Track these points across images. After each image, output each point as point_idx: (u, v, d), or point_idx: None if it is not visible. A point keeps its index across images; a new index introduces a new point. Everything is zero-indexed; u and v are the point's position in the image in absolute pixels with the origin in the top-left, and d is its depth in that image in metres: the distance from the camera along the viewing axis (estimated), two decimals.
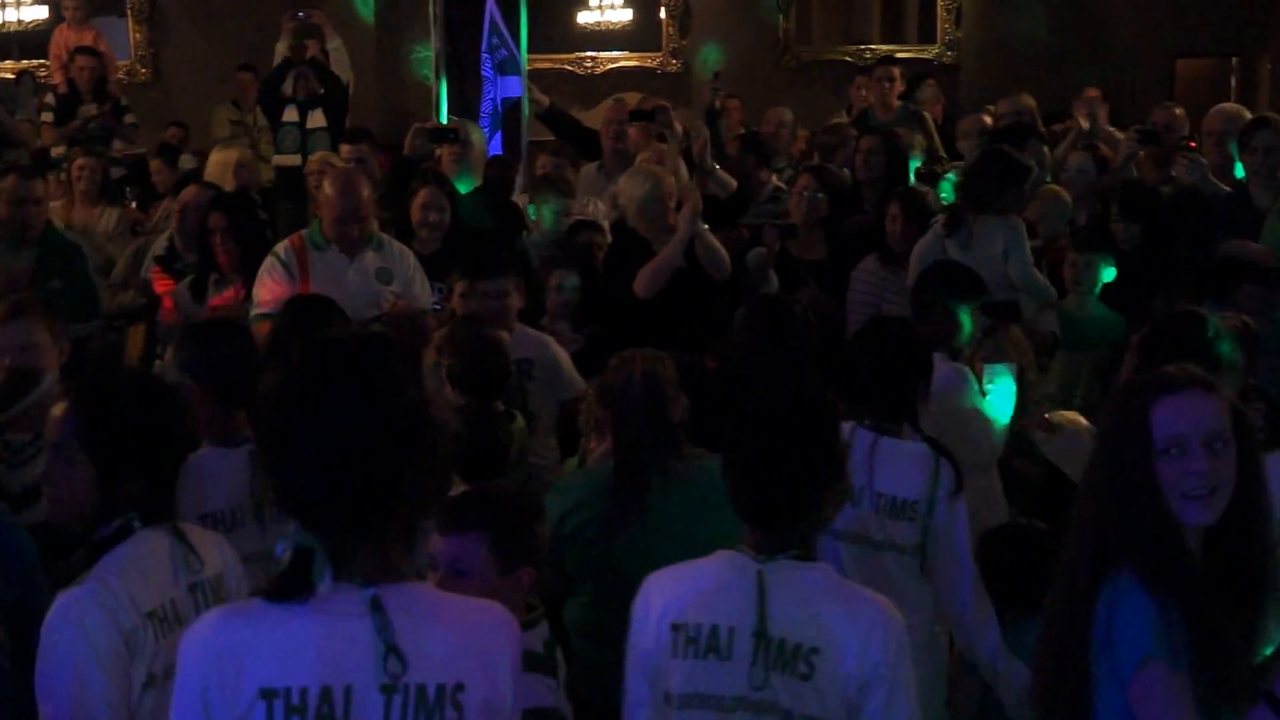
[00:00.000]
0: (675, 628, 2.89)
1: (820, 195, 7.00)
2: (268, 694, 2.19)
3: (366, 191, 6.08)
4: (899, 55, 13.62)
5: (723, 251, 6.44)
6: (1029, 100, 8.31)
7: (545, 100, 8.73)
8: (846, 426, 4.03)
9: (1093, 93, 9.09)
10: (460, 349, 4.82)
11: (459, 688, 2.25)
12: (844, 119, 9.87)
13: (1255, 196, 6.53)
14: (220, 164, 8.27)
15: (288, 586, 2.22)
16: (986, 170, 6.16)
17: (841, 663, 2.81)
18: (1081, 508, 2.85)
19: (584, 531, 3.98)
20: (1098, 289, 6.01)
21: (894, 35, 16.16)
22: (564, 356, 5.59)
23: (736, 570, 2.91)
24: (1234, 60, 17.07)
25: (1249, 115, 7.30)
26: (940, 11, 16.24)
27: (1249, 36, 16.86)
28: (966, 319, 5.10)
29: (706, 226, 6.52)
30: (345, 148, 8.04)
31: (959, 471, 4.13)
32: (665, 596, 2.95)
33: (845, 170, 7.96)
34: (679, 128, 8.05)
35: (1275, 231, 6.19)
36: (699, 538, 3.34)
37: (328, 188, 6.10)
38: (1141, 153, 7.43)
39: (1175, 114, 7.85)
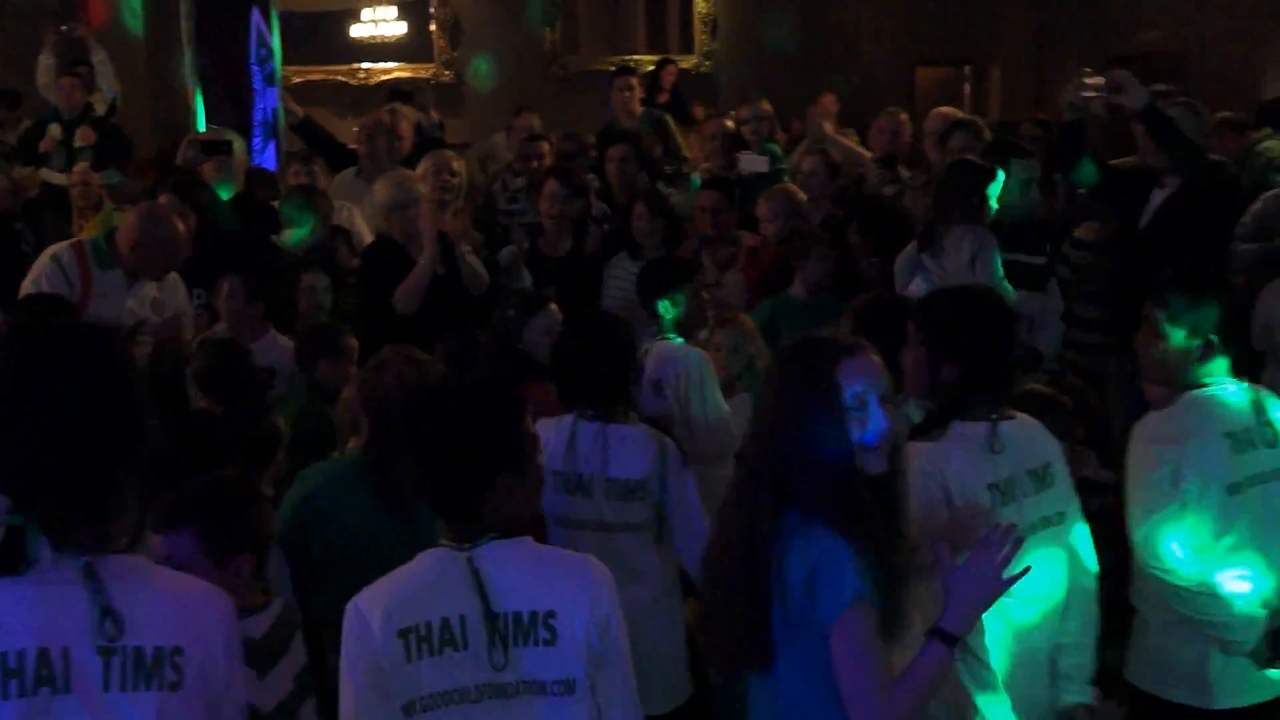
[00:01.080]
0: (403, 633, 2.73)
1: (567, 196, 7.06)
2: None
3: (180, 229, 5.85)
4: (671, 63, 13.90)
5: (482, 271, 6.47)
6: (767, 106, 8.45)
7: (300, 111, 8.61)
8: (568, 419, 4.11)
9: (826, 100, 9.30)
10: (205, 355, 4.82)
11: (176, 650, 2.27)
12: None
13: None
14: None
15: (2, 560, 2.21)
16: (952, 180, 5.95)
17: (577, 617, 2.76)
18: (757, 463, 2.89)
19: (325, 519, 3.92)
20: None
21: (658, 45, 16.28)
22: None
23: (446, 564, 2.80)
24: (967, 69, 17.72)
25: (960, 116, 7.53)
26: (697, 23, 16.55)
27: (981, 47, 17.50)
28: (665, 308, 5.17)
29: (469, 248, 6.59)
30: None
31: (681, 449, 4.19)
32: (383, 607, 2.76)
33: (591, 175, 8.04)
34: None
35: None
36: None
37: (137, 218, 5.80)
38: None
39: (901, 119, 8.01)
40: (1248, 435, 3.59)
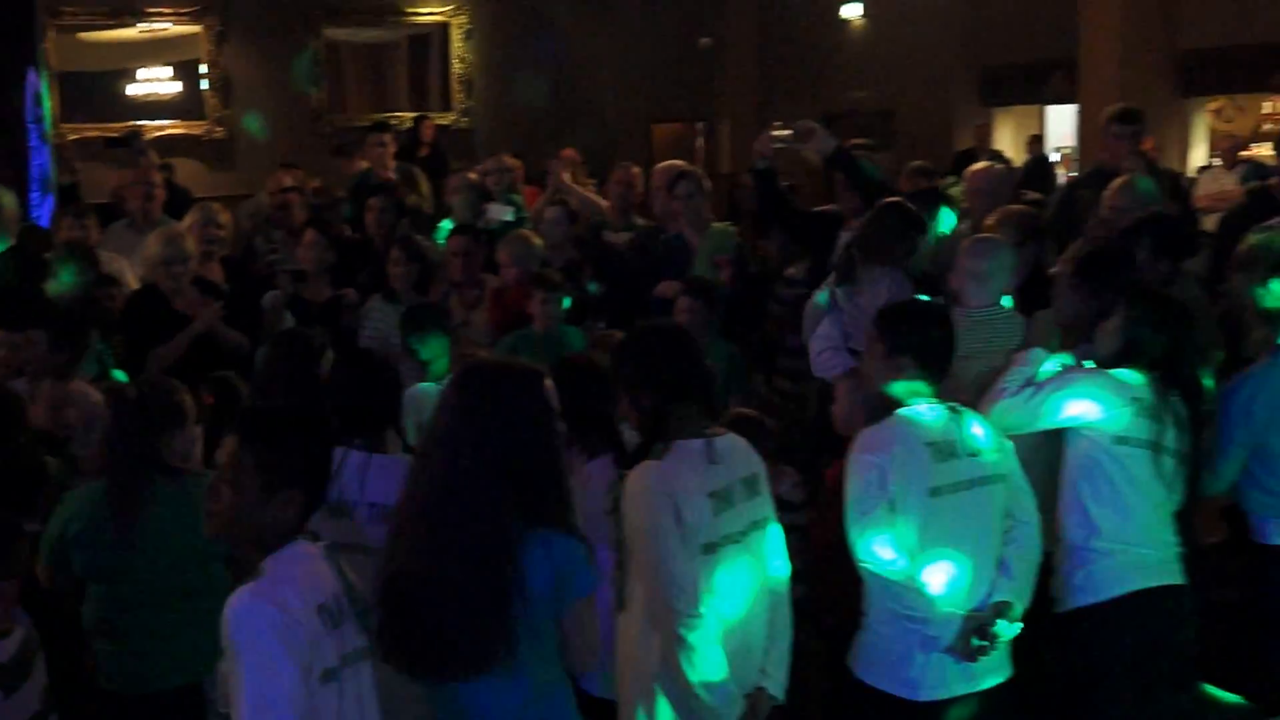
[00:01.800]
0: (320, 609, 2.83)
1: (327, 245, 7.13)
2: None
3: None
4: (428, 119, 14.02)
5: (239, 338, 6.44)
6: (509, 160, 8.64)
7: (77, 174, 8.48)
8: (339, 451, 4.05)
9: (568, 153, 9.49)
10: None
11: None
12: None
13: (687, 235, 6.98)
14: None
15: None
16: (885, 222, 5.56)
17: None
18: (486, 485, 3.00)
19: (82, 538, 3.95)
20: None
21: (419, 103, 16.36)
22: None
23: (315, 552, 2.97)
24: (699, 125, 18.19)
25: (683, 167, 7.63)
26: (454, 83, 16.70)
27: (711, 105, 18.01)
28: (421, 351, 5.34)
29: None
30: None
31: None
32: (305, 586, 2.84)
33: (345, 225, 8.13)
34: None
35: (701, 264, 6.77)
36: (197, 543, 3.48)
37: None
38: None
39: (632, 172, 8.15)
40: (950, 447, 3.70)
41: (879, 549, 3.66)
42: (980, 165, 7.13)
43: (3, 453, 4.51)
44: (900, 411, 3.77)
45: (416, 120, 13.59)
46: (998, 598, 3.72)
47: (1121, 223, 5.61)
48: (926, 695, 3.70)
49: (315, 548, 2.96)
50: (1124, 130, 6.60)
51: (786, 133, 6.21)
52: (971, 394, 4.62)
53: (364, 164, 9.67)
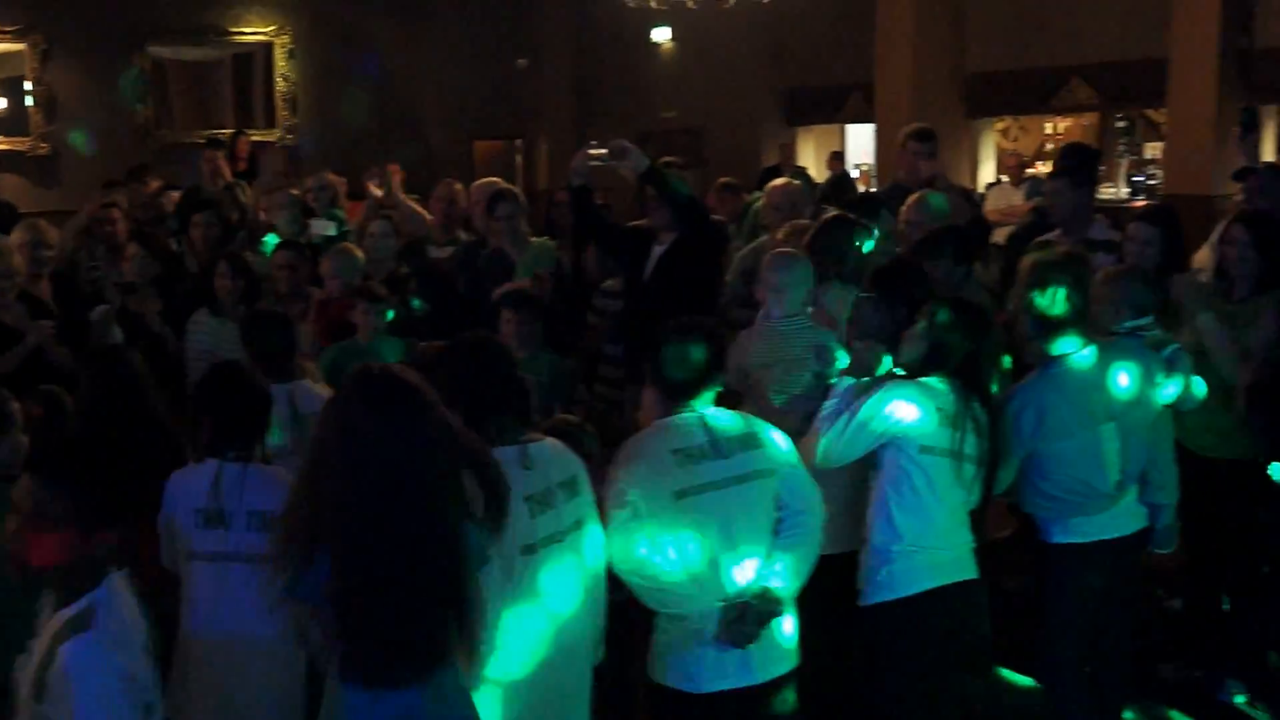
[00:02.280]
0: (145, 649, 2.76)
1: (150, 258, 6.89)
2: None
3: None
4: (252, 137, 13.68)
5: (66, 355, 6.09)
6: (331, 177, 8.45)
7: None
8: (213, 464, 3.98)
9: (391, 169, 9.33)
10: None
11: None
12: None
13: (507, 251, 6.91)
14: None
15: None
16: (831, 238, 5.33)
17: None
18: (434, 488, 2.87)
19: None
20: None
21: (245, 120, 15.98)
22: None
23: (125, 586, 2.84)
24: (518, 142, 18.14)
25: (501, 186, 7.52)
26: (279, 100, 16.36)
27: (530, 124, 17.98)
28: None
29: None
30: None
31: None
32: (132, 627, 2.77)
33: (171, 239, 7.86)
34: None
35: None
36: None
37: None
38: None
39: (454, 188, 7.99)
40: (700, 450, 3.69)
41: (631, 554, 3.64)
42: (779, 181, 7.20)
43: None
44: (657, 422, 3.80)
45: (232, 136, 13.22)
46: (760, 585, 3.70)
47: (915, 235, 5.71)
48: (706, 687, 3.69)
49: (123, 580, 2.80)
50: (919, 148, 6.73)
51: (601, 151, 6.19)
52: (769, 401, 4.71)
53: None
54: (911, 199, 6.04)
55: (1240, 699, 5.25)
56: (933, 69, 12.76)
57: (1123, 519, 4.50)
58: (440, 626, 2.86)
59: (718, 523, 3.67)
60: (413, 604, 2.82)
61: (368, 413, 2.82)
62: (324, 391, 4.90)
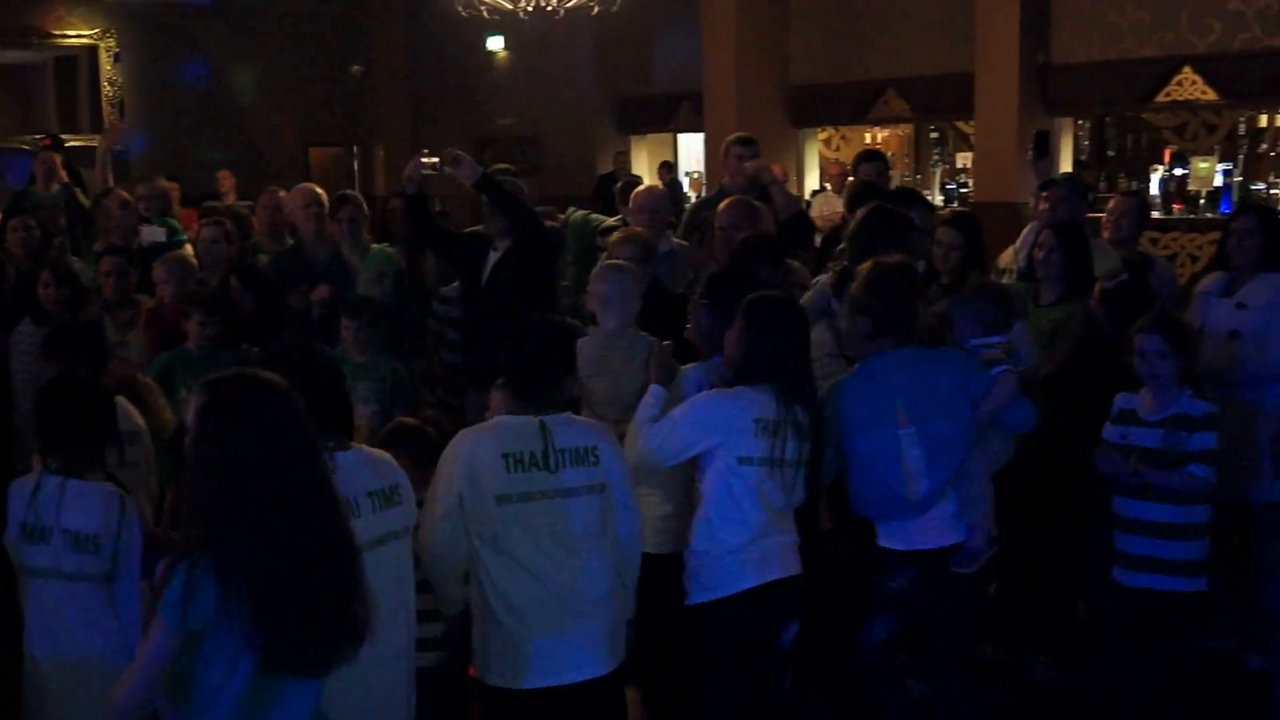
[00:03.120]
0: None
1: None
2: None
3: None
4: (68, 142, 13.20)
5: None
6: (164, 184, 8.27)
7: None
8: (34, 476, 3.88)
9: (223, 175, 9.12)
10: None
11: None
12: None
13: (347, 257, 6.78)
14: None
15: None
16: (874, 228, 5.24)
17: None
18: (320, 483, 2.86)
19: None
20: None
21: (70, 124, 15.48)
22: None
23: None
24: (355, 148, 17.93)
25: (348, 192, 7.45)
26: (105, 104, 15.92)
27: (366, 130, 17.79)
28: None
29: None
30: None
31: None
32: None
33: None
34: None
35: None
36: None
37: None
38: None
39: (279, 196, 7.70)
40: (531, 458, 3.67)
41: (447, 542, 3.67)
42: (644, 186, 7.21)
43: None
44: (498, 419, 3.82)
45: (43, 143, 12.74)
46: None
47: (734, 238, 5.74)
48: (533, 683, 3.69)
49: None
50: (743, 152, 6.84)
51: (434, 160, 6.20)
52: (602, 409, 4.72)
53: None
54: (724, 203, 6.09)
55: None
56: (757, 81, 13.06)
57: (932, 531, 4.44)
58: (353, 608, 2.84)
59: (533, 533, 3.68)
60: (326, 589, 2.79)
61: (242, 417, 2.76)
62: (129, 406, 4.78)
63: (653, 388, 4.32)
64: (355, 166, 17.49)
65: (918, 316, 4.52)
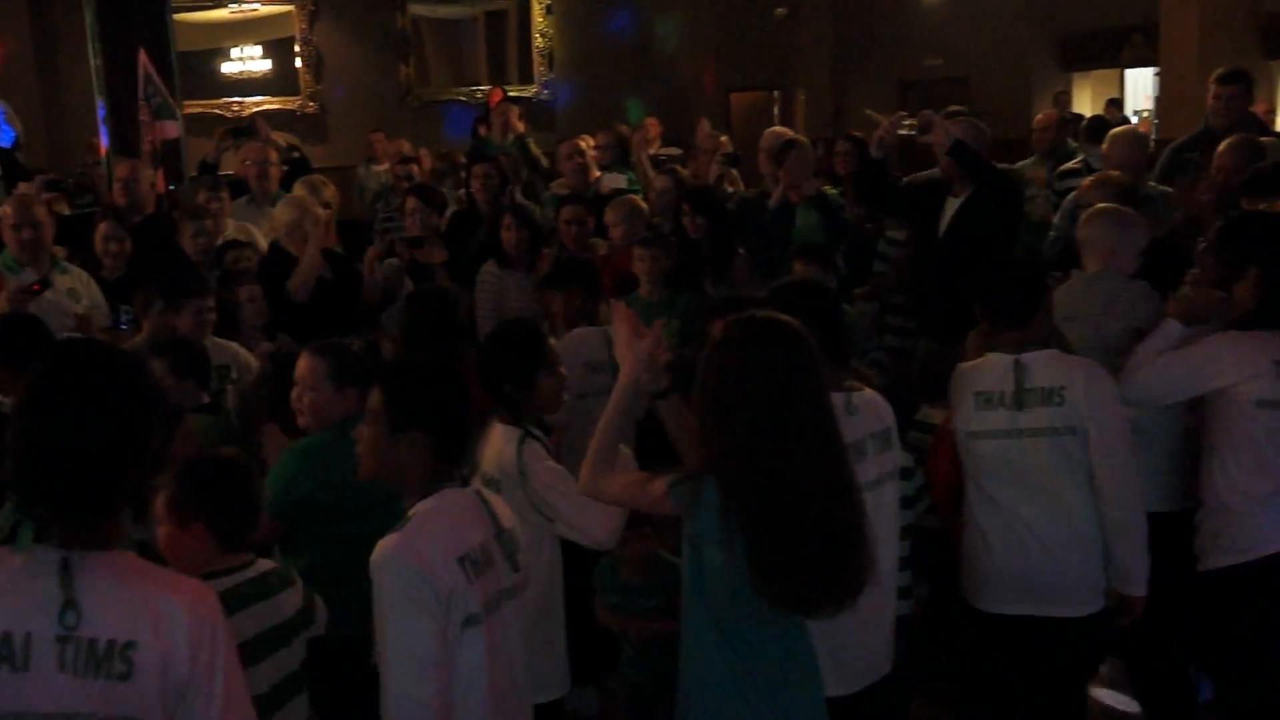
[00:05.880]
0: (462, 560, 2.81)
1: (429, 211, 7.21)
2: None
3: (40, 214, 6.22)
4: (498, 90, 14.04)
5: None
6: (624, 129, 8.65)
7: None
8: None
9: (649, 123, 9.43)
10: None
11: (129, 645, 2.18)
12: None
13: (791, 199, 7.03)
14: None
15: None
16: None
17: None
18: None
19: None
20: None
21: (498, 78, 16.38)
22: (252, 359, 5.54)
23: (463, 500, 2.99)
24: (776, 93, 18.10)
25: (791, 136, 7.66)
26: (535, 56, 16.73)
27: (786, 74, 17.92)
28: None
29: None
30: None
31: None
32: (447, 538, 2.83)
33: (462, 191, 8.17)
34: None
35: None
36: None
37: (11, 216, 6.16)
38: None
39: (706, 130, 8.25)
40: (1000, 398, 3.91)
41: None
42: (1124, 128, 7.08)
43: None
44: (971, 362, 4.09)
45: (489, 93, 13.59)
46: None
47: (1232, 182, 5.51)
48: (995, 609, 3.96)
49: (465, 494, 3.01)
50: (1229, 90, 6.48)
51: (911, 122, 6.30)
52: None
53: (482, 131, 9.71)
54: (1228, 142, 5.82)
55: None
56: (1224, 7, 12.18)
57: None
58: (855, 555, 2.89)
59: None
60: (829, 533, 2.84)
61: (765, 350, 2.87)
62: None
63: (1170, 321, 4.22)
64: (775, 112, 17.66)
65: None
